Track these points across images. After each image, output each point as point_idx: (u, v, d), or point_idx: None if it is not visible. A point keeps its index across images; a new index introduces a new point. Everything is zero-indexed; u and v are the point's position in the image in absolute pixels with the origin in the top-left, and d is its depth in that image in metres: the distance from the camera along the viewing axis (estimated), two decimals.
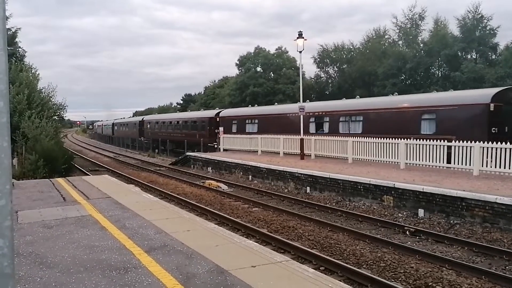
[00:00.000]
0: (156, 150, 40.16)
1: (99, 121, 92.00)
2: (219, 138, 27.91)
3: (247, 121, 29.73)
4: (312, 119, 23.40)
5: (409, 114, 18.29)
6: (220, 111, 34.22)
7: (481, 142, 13.36)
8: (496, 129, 15.54)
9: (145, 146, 43.71)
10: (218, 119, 32.32)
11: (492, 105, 15.42)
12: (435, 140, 14.61)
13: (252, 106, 36.89)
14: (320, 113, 23.37)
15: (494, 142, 13.00)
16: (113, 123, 63.74)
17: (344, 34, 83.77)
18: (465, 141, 13.74)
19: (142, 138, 46.17)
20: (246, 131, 28.32)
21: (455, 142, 14.08)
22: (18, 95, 21.20)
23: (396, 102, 19.69)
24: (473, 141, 13.54)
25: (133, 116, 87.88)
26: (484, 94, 16.54)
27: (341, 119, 21.70)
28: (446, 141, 14.41)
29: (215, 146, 29.66)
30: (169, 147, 38.32)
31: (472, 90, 20.56)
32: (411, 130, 17.49)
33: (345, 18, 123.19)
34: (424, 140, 15.03)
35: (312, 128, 23.36)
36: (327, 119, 22.79)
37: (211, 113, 35.20)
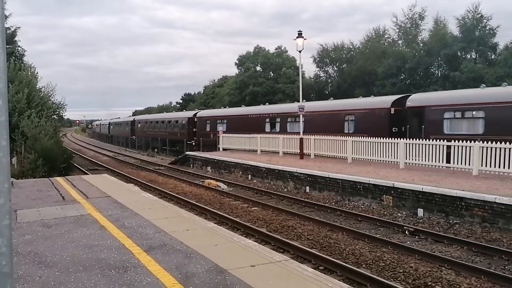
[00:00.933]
0: (156, 150, 40.28)
1: (97, 120, 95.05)
2: (219, 137, 27.92)
3: (218, 121, 32.85)
4: (267, 120, 27.68)
5: (337, 116, 22.09)
6: (197, 112, 37.47)
7: (480, 142, 13.37)
8: (396, 128, 19.16)
9: (137, 144, 46.37)
10: (195, 119, 35.52)
11: (392, 109, 19.22)
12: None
13: (251, 106, 38.27)
14: (273, 114, 27.56)
15: (494, 142, 13.00)
16: (109, 123, 66.51)
17: (344, 33, 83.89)
18: (464, 141, 13.75)
19: (133, 136, 49.18)
20: (217, 129, 31.36)
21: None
22: (17, 94, 21.17)
23: (328, 106, 23.96)
24: (469, 141, 13.55)
25: (132, 115, 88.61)
26: (386, 101, 20.46)
27: (288, 120, 25.58)
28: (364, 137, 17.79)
29: (193, 143, 33.82)
30: (153, 145, 41.15)
31: (379, 97, 24.61)
32: (338, 129, 21.00)
33: (345, 18, 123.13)
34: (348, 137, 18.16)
35: (268, 127, 27.34)
36: (278, 119, 26.79)
37: (190, 113, 38.30)
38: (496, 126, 15.22)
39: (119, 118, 68.47)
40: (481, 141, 13.48)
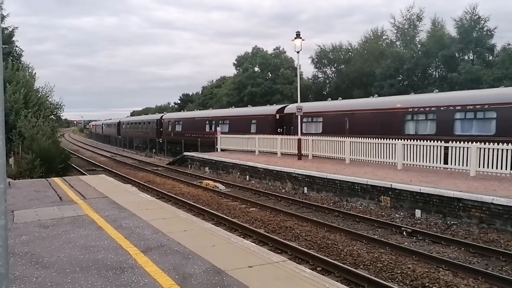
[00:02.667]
0: (154, 150, 40.38)
1: (94, 121, 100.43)
2: (216, 138, 27.92)
3: (176, 123, 39.20)
4: (207, 122, 34.13)
5: (245, 120, 29.57)
6: (163, 115, 45.36)
7: (479, 143, 13.40)
8: (280, 129, 25.81)
9: (122, 143, 52.02)
10: (162, 120, 42.46)
11: (277, 115, 26.80)
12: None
13: (245, 106, 40.14)
14: (211, 117, 34.33)
15: (491, 143, 13.03)
16: (102, 124, 73.54)
17: (343, 34, 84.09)
18: (462, 142, 13.78)
19: (119, 136, 55.46)
20: (175, 130, 38.44)
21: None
22: (14, 94, 21.11)
23: (241, 112, 32.25)
24: (468, 142, 13.59)
25: (130, 116, 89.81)
26: (273, 109, 28.28)
27: (220, 122, 32.04)
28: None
29: (160, 141, 40.43)
30: (134, 143, 46.75)
31: (269, 106, 31.84)
32: (246, 130, 27.72)
33: (344, 19, 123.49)
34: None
35: (208, 128, 33.57)
36: (213, 122, 33.05)
37: (158, 116, 46.29)
38: (332, 127, 21.97)
39: (110, 119, 73.65)
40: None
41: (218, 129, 29.19)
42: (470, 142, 13.71)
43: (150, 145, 41.79)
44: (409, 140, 15.71)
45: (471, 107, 16.33)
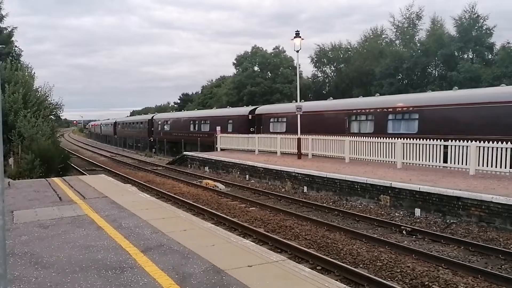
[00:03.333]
0: (154, 150, 40.44)
1: (93, 121, 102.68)
2: (216, 137, 27.93)
3: (164, 123, 42.21)
4: (191, 122, 36.55)
5: (223, 120, 31.65)
6: (154, 115, 48.48)
7: (477, 142, 13.41)
8: (253, 128, 28.15)
9: (118, 142, 55.18)
10: (152, 121, 45.07)
11: (250, 116, 29.16)
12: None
13: (247, 106, 41.02)
14: (195, 117, 37.00)
15: (490, 142, 13.03)
16: (101, 124, 76.72)
17: (342, 34, 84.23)
18: (461, 141, 13.79)
19: (115, 135, 58.54)
20: (164, 129, 41.38)
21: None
22: (13, 94, 21.09)
23: (218, 113, 35.10)
24: (467, 141, 13.60)
25: (130, 116, 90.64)
26: (246, 110, 31.03)
27: (202, 122, 34.78)
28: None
29: (151, 139, 43.28)
30: (128, 142, 50.16)
31: (243, 108, 36.03)
32: (225, 130, 30.05)
33: (344, 18, 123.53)
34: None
35: (192, 127, 35.94)
36: (197, 121, 35.75)
37: (149, 116, 49.47)
38: (292, 126, 23.56)
39: (108, 119, 76.13)
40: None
41: (218, 128, 29.23)
42: (398, 138, 16.25)
43: (142, 144, 45.40)
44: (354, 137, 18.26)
45: (400, 109, 18.86)
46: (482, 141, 13.34)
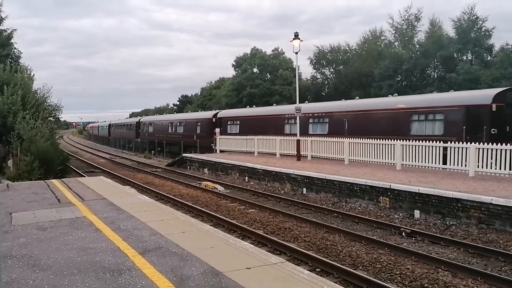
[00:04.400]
0: (153, 152, 40.41)
1: (92, 122, 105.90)
2: (215, 139, 27.92)
3: (149, 125, 45.90)
4: (169, 124, 40.41)
5: (193, 123, 35.48)
6: (141, 118, 52.92)
7: (473, 143, 13.40)
8: (219, 129, 30.02)
9: (112, 142, 59.28)
10: (139, 123, 48.92)
11: (213, 119, 32.63)
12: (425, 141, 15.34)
13: (246, 107, 41.55)
14: (174, 120, 40.90)
15: (490, 143, 13.04)
16: (98, 126, 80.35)
17: (341, 35, 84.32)
18: (460, 142, 13.79)
19: (110, 137, 62.44)
20: (149, 131, 45.11)
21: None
22: (12, 96, 21.07)
23: (187, 116, 40.80)
24: (467, 143, 13.60)
25: (129, 117, 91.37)
26: (210, 114, 34.62)
27: (180, 124, 38.35)
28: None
29: (138, 140, 47.13)
30: (120, 143, 54.06)
31: (207, 111, 39.88)
32: (194, 130, 34.12)
33: (343, 20, 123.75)
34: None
35: (170, 129, 39.59)
36: (176, 123, 39.38)
37: (136, 119, 53.98)
38: (246, 128, 28.16)
39: (105, 121, 79.29)
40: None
41: (217, 130, 29.23)
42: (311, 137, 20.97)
43: (130, 145, 49.62)
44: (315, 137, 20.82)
45: (317, 114, 23.85)
46: (370, 139, 17.21)
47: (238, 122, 30.53)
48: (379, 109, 19.94)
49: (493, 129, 15.27)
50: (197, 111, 53.84)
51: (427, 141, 15.16)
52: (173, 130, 38.89)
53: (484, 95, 17.06)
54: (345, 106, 22.57)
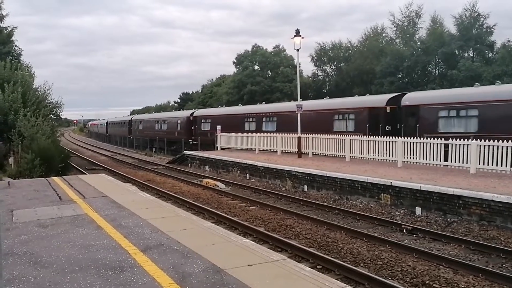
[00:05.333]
0: (154, 149, 40.51)
1: (92, 120, 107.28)
2: (217, 136, 27.91)
3: (140, 123, 49.90)
4: (156, 121, 44.23)
5: (175, 121, 39.61)
6: (133, 117, 58.32)
7: (478, 140, 13.38)
8: (192, 127, 35.68)
9: (109, 139, 63.32)
10: (131, 121, 53.39)
11: (191, 117, 36.82)
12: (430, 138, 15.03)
13: (243, 105, 42.71)
14: (158, 118, 45.30)
15: (491, 141, 13.00)
16: (97, 123, 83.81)
17: (343, 33, 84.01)
18: (461, 139, 13.77)
19: (107, 134, 66.70)
20: (139, 128, 48.98)
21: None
22: (13, 93, 21.06)
23: (170, 115, 44.23)
24: (468, 139, 13.58)
25: (130, 115, 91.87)
26: (188, 112, 39.15)
27: (165, 122, 42.17)
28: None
29: (130, 137, 50.81)
30: (115, 139, 58.27)
31: (185, 111, 45.12)
32: (173, 130, 38.75)
33: (344, 17, 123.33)
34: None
35: (156, 127, 43.50)
36: (159, 122, 43.71)
37: (129, 117, 58.31)
38: (213, 125, 32.00)
39: (104, 119, 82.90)
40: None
41: (218, 127, 29.22)
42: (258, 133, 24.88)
43: (124, 141, 52.98)
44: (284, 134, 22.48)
45: (268, 114, 27.91)
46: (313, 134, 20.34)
47: (209, 120, 34.41)
48: (311, 109, 23.49)
49: (387, 126, 18.24)
50: (196, 108, 54.93)
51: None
52: (159, 127, 42.90)
53: (380, 99, 21.10)
54: (290, 107, 25.28)
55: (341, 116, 21.91)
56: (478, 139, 13.39)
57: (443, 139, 14.58)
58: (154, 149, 40.39)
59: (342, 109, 22.16)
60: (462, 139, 13.79)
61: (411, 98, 19.53)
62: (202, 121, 35.29)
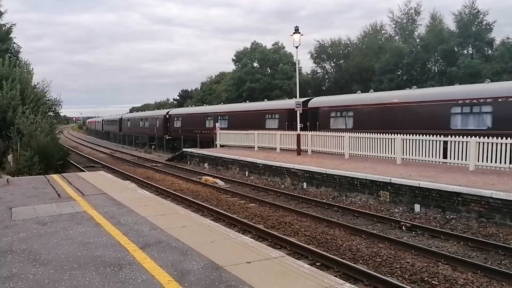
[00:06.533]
0: (153, 146, 40.54)
1: (91, 117, 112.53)
2: (216, 133, 27.90)
3: (127, 121, 54.75)
4: (140, 119, 49.27)
5: (154, 119, 44.02)
6: (123, 115, 61.35)
7: (476, 137, 13.38)
8: (168, 124, 39.48)
9: (103, 135, 68.55)
10: (122, 119, 58.07)
11: (167, 115, 40.43)
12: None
13: (244, 102, 43.10)
14: (141, 117, 50.45)
15: (490, 137, 13.01)
16: (95, 121, 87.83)
17: (342, 30, 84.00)
18: (460, 136, 13.77)
19: (103, 130, 71.60)
20: (128, 126, 53.84)
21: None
22: (11, 90, 21.03)
23: (149, 114, 48.85)
24: (468, 136, 13.58)
25: (129, 112, 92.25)
26: (164, 111, 42.78)
27: (147, 120, 46.76)
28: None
29: (121, 134, 55.57)
30: (107, 135, 64.40)
31: (162, 110, 47.88)
32: (155, 125, 42.77)
33: (344, 14, 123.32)
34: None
35: (140, 124, 48.42)
36: (143, 120, 48.66)
37: (119, 116, 61.59)
38: (188, 125, 36.10)
39: (100, 117, 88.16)
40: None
41: (217, 125, 29.23)
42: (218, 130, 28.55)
43: (115, 137, 58.13)
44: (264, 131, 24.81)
45: (221, 113, 32.59)
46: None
47: (180, 118, 38.61)
48: (247, 110, 29.87)
49: (300, 124, 21.02)
50: (196, 105, 55.95)
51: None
52: (143, 125, 47.96)
53: (294, 103, 24.25)
54: (239, 108, 31.99)
55: (270, 115, 27.21)
56: (349, 133, 18.27)
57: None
58: (153, 147, 40.45)
59: (271, 110, 27.49)
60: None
61: (314, 102, 24.47)
62: (175, 119, 39.46)
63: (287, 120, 24.88)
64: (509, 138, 12.52)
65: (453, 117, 16.77)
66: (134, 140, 48.21)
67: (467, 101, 16.27)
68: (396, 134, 16.04)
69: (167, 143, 39.60)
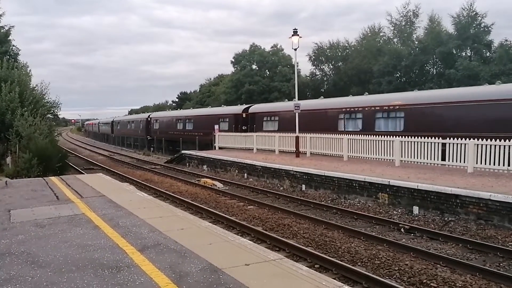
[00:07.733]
0: (152, 148, 40.59)
1: (89, 120, 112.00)
2: (215, 136, 27.90)
3: (118, 123, 60.37)
4: (128, 122, 55.23)
5: (138, 122, 49.92)
6: (114, 118, 66.87)
7: (476, 139, 13.41)
8: (149, 126, 45.19)
9: (100, 137, 72.10)
10: (113, 122, 63.60)
11: (148, 118, 46.28)
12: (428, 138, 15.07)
13: (241, 104, 43.84)
14: (128, 120, 56.80)
15: (489, 140, 13.04)
16: (92, 124, 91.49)
17: (341, 33, 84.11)
18: (459, 139, 13.79)
19: (99, 132, 76.31)
20: (118, 128, 59.22)
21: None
22: (10, 93, 21.01)
23: (137, 117, 56.42)
24: (466, 139, 13.60)
25: (128, 114, 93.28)
26: (146, 115, 49.43)
27: (133, 122, 52.60)
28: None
29: (113, 135, 60.31)
30: (104, 137, 68.06)
31: (146, 114, 54.76)
32: (139, 127, 48.66)
33: (343, 17, 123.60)
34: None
35: (128, 126, 54.11)
36: (129, 122, 54.77)
37: (112, 118, 67.70)
38: (165, 128, 41.28)
39: (97, 119, 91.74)
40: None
41: (216, 127, 29.24)
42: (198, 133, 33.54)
43: (108, 139, 62.95)
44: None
45: (189, 116, 38.27)
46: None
47: (158, 121, 43.62)
48: (203, 114, 35.95)
49: (243, 126, 26.50)
50: (194, 107, 55.72)
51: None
52: (130, 127, 53.44)
53: (240, 108, 31.63)
54: (202, 112, 38.41)
55: (222, 119, 31.89)
56: (278, 133, 23.05)
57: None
58: (152, 149, 40.49)
59: (223, 115, 32.76)
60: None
61: (253, 108, 30.13)
62: (154, 122, 44.40)
63: (234, 123, 30.48)
64: (507, 140, 12.55)
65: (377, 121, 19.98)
66: (122, 141, 53.01)
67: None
68: (393, 136, 16.16)
69: (166, 145, 39.73)
